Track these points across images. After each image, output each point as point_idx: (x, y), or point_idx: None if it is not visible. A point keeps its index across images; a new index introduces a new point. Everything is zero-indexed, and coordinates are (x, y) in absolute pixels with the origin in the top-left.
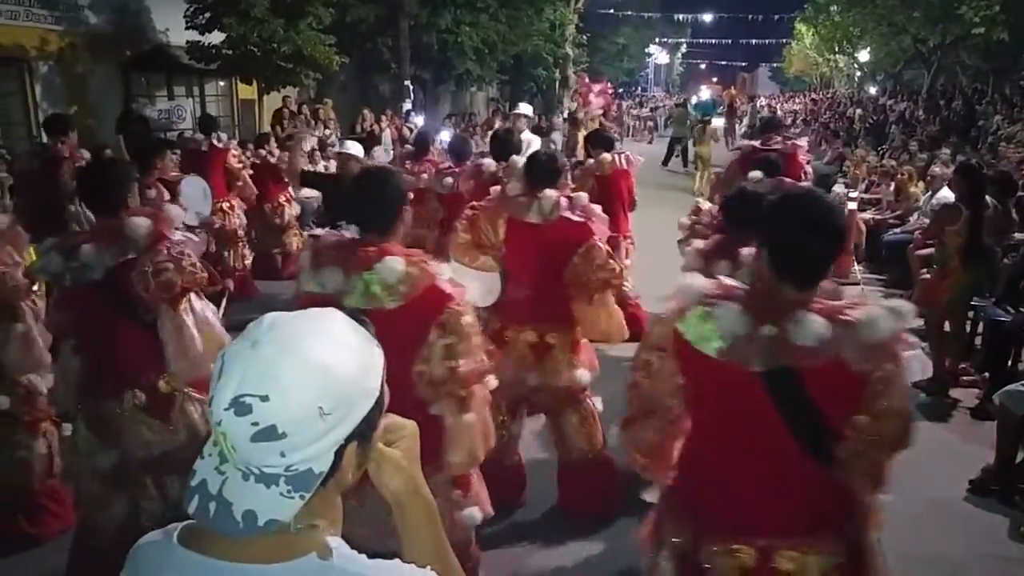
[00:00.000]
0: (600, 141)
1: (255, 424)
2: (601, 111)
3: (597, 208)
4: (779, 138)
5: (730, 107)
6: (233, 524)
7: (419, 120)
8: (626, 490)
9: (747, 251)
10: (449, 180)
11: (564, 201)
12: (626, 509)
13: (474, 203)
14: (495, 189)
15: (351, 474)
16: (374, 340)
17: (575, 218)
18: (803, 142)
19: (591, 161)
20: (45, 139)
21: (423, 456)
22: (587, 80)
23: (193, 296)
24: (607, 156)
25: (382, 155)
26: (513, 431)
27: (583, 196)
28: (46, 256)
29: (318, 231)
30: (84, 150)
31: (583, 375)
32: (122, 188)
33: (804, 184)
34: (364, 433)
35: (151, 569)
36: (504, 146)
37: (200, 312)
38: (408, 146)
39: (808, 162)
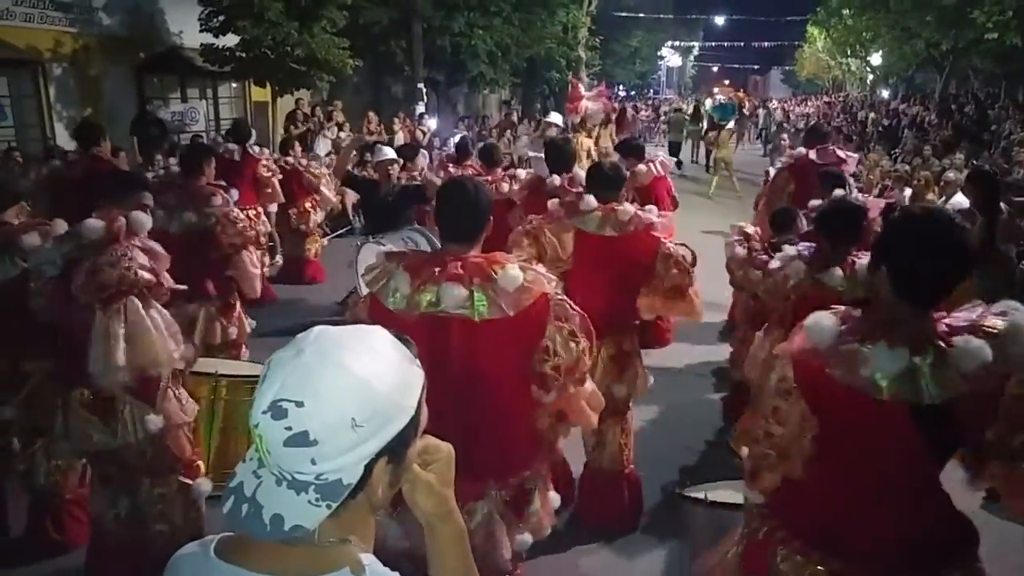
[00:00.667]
0: (631, 151)
1: (288, 429)
2: (603, 115)
3: (664, 214)
4: (831, 147)
5: (739, 110)
6: (261, 527)
7: (432, 123)
8: (647, 506)
9: (862, 263)
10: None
11: (641, 213)
12: (645, 523)
13: (533, 216)
14: (553, 202)
15: (382, 491)
16: (415, 360)
17: (657, 223)
18: (853, 154)
19: (626, 173)
20: (59, 143)
21: (534, 452)
22: (578, 84)
23: (134, 300)
24: (642, 167)
25: (421, 160)
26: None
27: (652, 208)
28: (34, 253)
29: (389, 247)
30: (121, 161)
31: (650, 377)
32: (100, 197)
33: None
34: (396, 450)
35: None
36: (563, 156)
37: (135, 318)
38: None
39: (852, 173)
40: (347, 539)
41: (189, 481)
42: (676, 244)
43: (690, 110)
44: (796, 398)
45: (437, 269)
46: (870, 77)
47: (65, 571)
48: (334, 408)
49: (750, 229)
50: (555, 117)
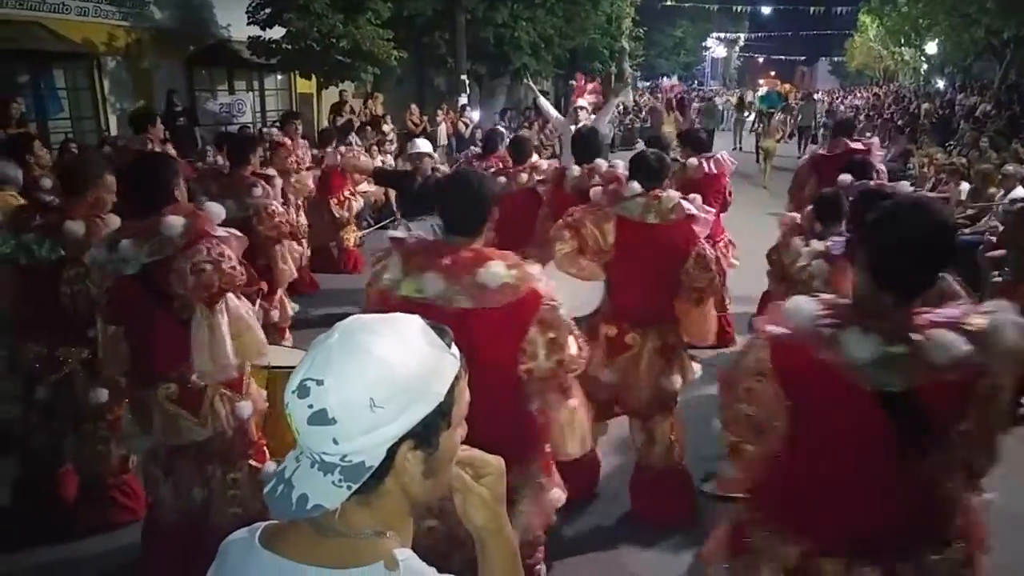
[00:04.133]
0: (690, 142)
1: (310, 407)
2: (591, 106)
3: (710, 210)
4: (846, 140)
5: (785, 100)
6: (288, 506)
7: (474, 115)
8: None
9: None
10: (503, 180)
11: (685, 202)
12: (697, 520)
13: (573, 208)
14: (596, 191)
15: (415, 482)
16: (449, 349)
17: (700, 215)
18: (876, 141)
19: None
20: (114, 133)
21: (521, 448)
22: (581, 79)
23: (230, 297)
24: (693, 161)
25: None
26: (598, 432)
27: (696, 197)
28: (97, 247)
29: (399, 233)
30: (169, 144)
31: (698, 369)
32: (166, 184)
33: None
34: (422, 436)
35: (235, 566)
36: (588, 147)
37: (236, 314)
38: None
39: (881, 161)
40: (383, 532)
41: (259, 465)
42: (710, 249)
43: (735, 100)
44: (770, 379)
45: (427, 258)
46: (924, 67)
47: (108, 552)
48: (351, 387)
49: (796, 217)
50: (581, 102)
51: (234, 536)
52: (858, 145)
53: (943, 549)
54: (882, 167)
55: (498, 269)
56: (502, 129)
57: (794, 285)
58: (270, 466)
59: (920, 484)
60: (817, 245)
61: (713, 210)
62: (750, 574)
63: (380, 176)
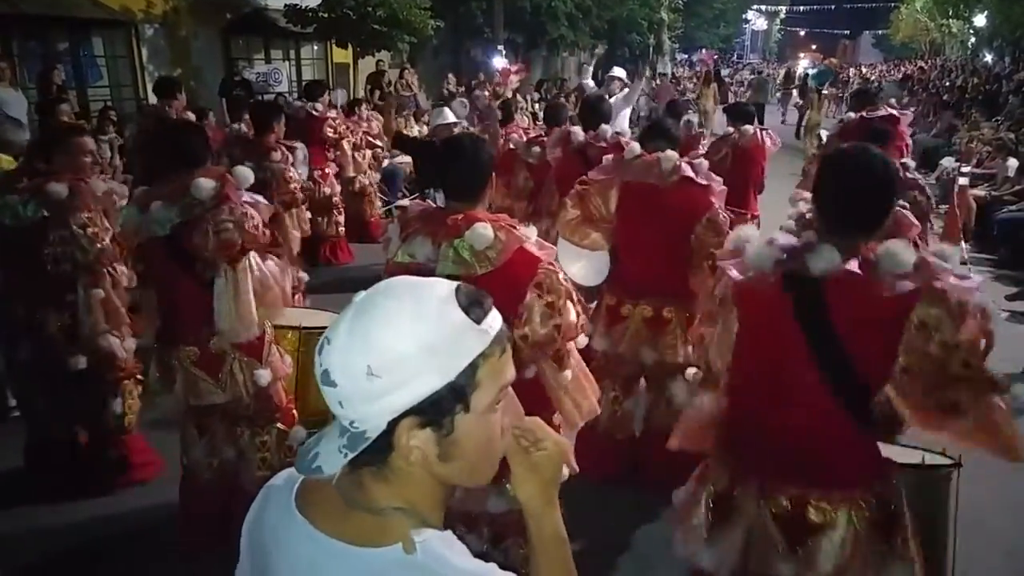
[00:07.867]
0: (739, 115)
1: (320, 365)
2: (517, 86)
3: (718, 179)
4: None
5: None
6: (303, 461)
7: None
8: None
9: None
10: (537, 149)
11: (685, 164)
12: None
13: (584, 177)
14: (607, 158)
15: (428, 463)
16: (477, 325)
17: (699, 180)
18: (908, 112)
19: (731, 130)
20: (151, 101)
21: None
22: (509, 66)
23: (254, 256)
24: (749, 128)
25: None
26: (626, 407)
27: (703, 162)
28: (128, 209)
29: (404, 202)
30: (191, 112)
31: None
32: (195, 148)
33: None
34: (428, 414)
35: (274, 525)
36: (594, 113)
37: (260, 273)
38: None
39: (912, 135)
40: (405, 510)
41: (287, 429)
42: (725, 214)
43: (782, 76)
44: (727, 302)
45: (422, 224)
46: (972, 40)
47: (120, 510)
48: (351, 350)
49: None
50: (618, 71)
51: (276, 481)
52: (883, 113)
53: (861, 500)
54: (908, 140)
55: (484, 230)
56: (521, 99)
57: None
58: (298, 430)
59: (846, 428)
60: (803, 207)
61: (720, 179)
62: (693, 496)
63: (403, 142)
